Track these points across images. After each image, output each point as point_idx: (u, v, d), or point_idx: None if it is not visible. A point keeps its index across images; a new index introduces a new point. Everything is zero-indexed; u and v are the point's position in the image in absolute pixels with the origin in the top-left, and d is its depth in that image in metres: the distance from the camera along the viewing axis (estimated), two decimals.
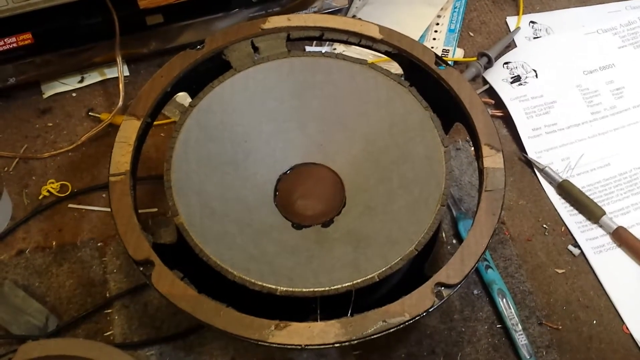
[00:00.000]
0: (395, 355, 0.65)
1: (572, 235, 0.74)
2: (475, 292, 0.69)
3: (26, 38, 0.77)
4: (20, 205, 0.74)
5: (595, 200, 0.75)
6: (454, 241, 0.73)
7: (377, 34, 0.68)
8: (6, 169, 0.77)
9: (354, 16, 0.89)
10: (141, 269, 0.55)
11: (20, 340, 0.64)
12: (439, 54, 0.71)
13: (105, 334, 0.66)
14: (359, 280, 0.55)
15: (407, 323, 0.53)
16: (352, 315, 0.53)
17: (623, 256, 0.73)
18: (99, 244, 0.71)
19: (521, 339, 0.65)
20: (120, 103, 0.79)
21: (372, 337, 0.52)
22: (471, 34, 0.91)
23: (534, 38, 0.90)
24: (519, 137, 0.81)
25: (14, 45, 0.76)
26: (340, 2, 0.90)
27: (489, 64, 0.86)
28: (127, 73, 0.84)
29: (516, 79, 0.85)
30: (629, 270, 0.72)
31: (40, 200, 0.74)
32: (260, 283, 0.55)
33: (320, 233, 0.62)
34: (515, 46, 0.89)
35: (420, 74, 0.67)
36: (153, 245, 0.56)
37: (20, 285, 0.68)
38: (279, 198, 0.65)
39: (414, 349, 0.66)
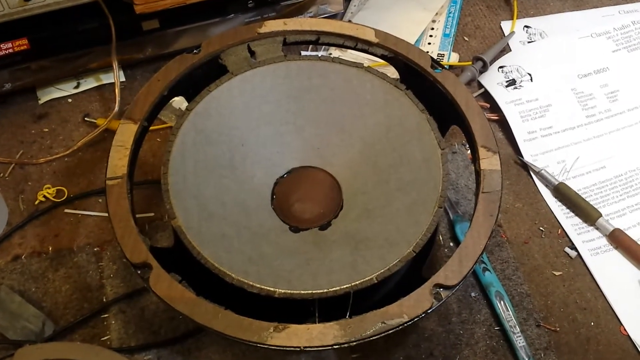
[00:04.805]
0: (394, 358, 0.65)
1: (568, 237, 0.74)
2: (473, 294, 0.69)
3: (22, 44, 0.76)
4: (16, 211, 0.74)
5: (591, 203, 0.76)
6: (451, 244, 0.73)
7: (373, 38, 0.68)
8: (2, 174, 0.76)
9: (349, 21, 0.90)
10: (139, 272, 0.55)
11: (16, 345, 0.63)
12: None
13: (102, 339, 0.66)
14: (357, 282, 0.55)
15: (406, 324, 0.53)
16: (350, 317, 0.53)
17: (620, 258, 0.73)
18: (95, 249, 0.71)
19: (519, 341, 0.66)
20: (117, 108, 0.79)
21: (371, 338, 0.52)
22: (466, 38, 0.92)
23: (529, 42, 0.91)
24: (515, 140, 0.81)
25: (10, 50, 0.76)
26: (336, 7, 0.90)
27: (484, 68, 0.86)
28: (123, 78, 0.84)
29: (511, 82, 0.85)
30: (626, 272, 0.72)
31: (36, 206, 0.74)
32: (258, 285, 0.55)
33: (318, 236, 0.62)
34: (510, 50, 0.90)
35: (417, 77, 0.67)
36: (150, 248, 0.56)
37: (16, 291, 0.68)
38: (277, 201, 0.65)
39: (412, 351, 0.66)
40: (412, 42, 0.87)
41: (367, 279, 0.55)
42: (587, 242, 0.74)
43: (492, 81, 0.86)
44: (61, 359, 0.51)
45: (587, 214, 0.75)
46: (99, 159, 0.78)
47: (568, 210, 0.76)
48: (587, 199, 0.76)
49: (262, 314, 0.53)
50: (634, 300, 0.70)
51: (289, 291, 0.55)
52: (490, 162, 0.61)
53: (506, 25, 0.93)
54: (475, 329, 0.67)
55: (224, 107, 0.65)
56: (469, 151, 0.79)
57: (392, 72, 0.70)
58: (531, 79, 0.86)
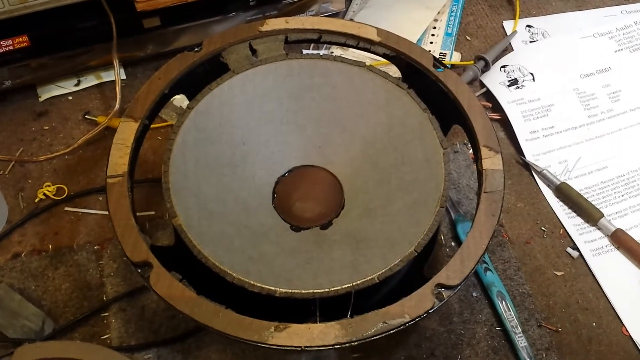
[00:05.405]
0: (395, 358, 0.65)
1: (570, 237, 0.74)
2: (475, 294, 0.69)
3: (22, 41, 0.76)
4: (16, 209, 0.74)
5: (593, 203, 0.75)
6: (453, 244, 0.73)
7: (375, 37, 0.68)
8: (2, 172, 0.76)
9: (351, 20, 0.89)
10: (139, 270, 0.55)
11: (16, 343, 0.63)
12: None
13: (102, 338, 0.65)
14: (358, 282, 0.55)
15: (407, 324, 0.52)
16: (351, 316, 0.53)
17: (621, 258, 0.72)
18: (95, 247, 0.71)
19: (521, 342, 0.65)
20: (117, 106, 0.78)
21: (372, 338, 0.52)
22: (468, 37, 0.92)
23: (531, 42, 0.91)
24: (517, 140, 0.81)
25: (10, 47, 0.76)
26: (338, 6, 0.90)
27: (486, 67, 0.86)
28: (123, 76, 0.84)
29: (513, 82, 0.85)
30: (628, 272, 0.72)
31: (36, 204, 0.74)
32: (259, 285, 0.54)
33: (319, 235, 0.62)
34: (512, 50, 0.90)
35: (419, 77, 0.67)
36: (151, 247, 0.56)
37: (16, 289, 0.67)
38: (278, 200, 0.64)
39: (414, 351, 0.65)
40: (414, 41, 0.87)
41: (368, 278, 0.55)
42: (589, 242, 0.74)
43: (494, 81, 0.85)
44: (61, 357, 0.51)
45: (589, 214, 0.75)
46: (100, 157, 0.78)
47: (570, 211, 0.76)
48: (589, 199, 0.76)
49: (262, 313, 0.53)
50: (635, 300, 0.70)
51: (290, 290, 0.54)
52: (492, 161, 0.61)
53: (508, 25, 0.93)
54: (476, 329, 0.67)
55: (225, 106, 0.64)
56: (470, 151, 0.79)
57: (394, 71, 0.69)
58: (533, 79, 0.85)
